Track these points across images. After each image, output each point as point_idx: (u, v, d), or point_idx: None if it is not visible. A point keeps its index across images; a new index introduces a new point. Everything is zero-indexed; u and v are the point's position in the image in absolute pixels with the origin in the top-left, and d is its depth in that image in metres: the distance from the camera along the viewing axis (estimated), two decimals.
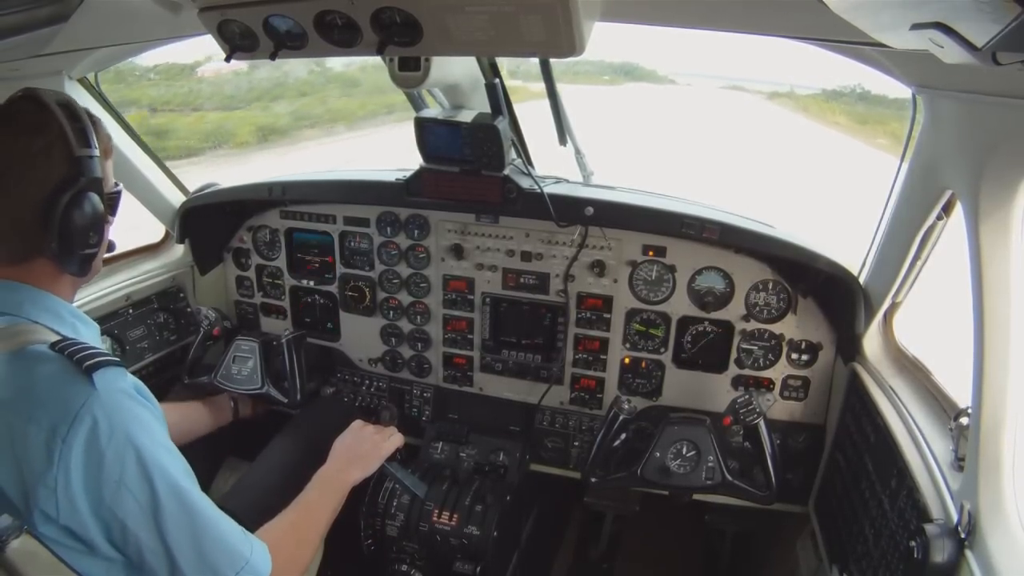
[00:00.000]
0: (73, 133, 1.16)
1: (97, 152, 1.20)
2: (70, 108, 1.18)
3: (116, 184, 1.31)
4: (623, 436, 1.84)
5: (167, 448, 1.16)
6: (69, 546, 1.09)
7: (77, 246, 1.19)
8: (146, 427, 1.13)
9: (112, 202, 1.28)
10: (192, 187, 2.47)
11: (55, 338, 1.14)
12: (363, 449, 1.76)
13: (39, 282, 1.20)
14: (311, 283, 2.45)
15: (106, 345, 2.12)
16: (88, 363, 1.08)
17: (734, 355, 2.07)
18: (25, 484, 1.06)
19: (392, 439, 1.83)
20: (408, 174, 2.08)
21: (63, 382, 1.09)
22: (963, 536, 1.14)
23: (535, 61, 1.96)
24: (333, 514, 1.58)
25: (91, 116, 1.22)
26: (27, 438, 1.05)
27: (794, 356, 2.03)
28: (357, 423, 1.85)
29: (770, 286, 2.01)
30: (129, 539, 1.10)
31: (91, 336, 1.26)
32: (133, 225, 2.13)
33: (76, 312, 1.26)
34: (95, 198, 1.20)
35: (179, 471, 1.16)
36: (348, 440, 1.78)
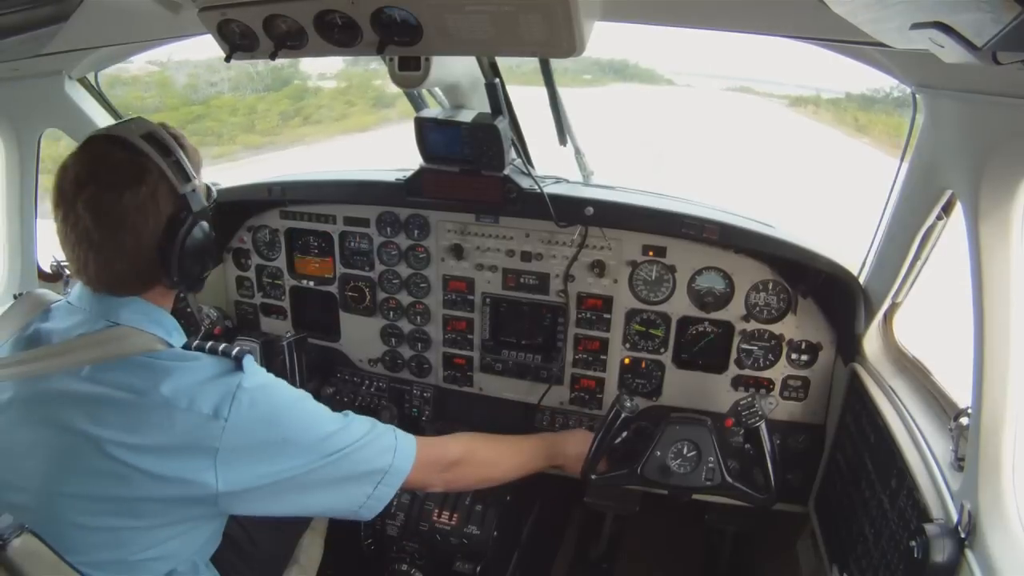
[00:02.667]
0: (171, 170, 1.18)
1: (197, 180, 1.24)
2: (159, 142, 1.19)
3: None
4: (624, 435, 1.84)
5: (304, 397, 1.30)
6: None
7: (196, 272, 1.27)
8: (284, 390, 1.27)
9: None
10: None
11: (161, 346, 1.21)
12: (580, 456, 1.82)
13: (155, 299, 1.26)
14: (311, 283, 2.45)
15: None
16: (235, 353, 1.20)
17: (734, 355, 2.07)
18: (175, 465, 1.13)
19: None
20: (408, 174, 2.08)
21: (219, 372, 1.19)
22: (963, 536, 1.14)
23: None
24: (516, 469, 1.70)
25: (175, 137, 1.23)
26: (186, 422, 1.13)
27: (794, 356, 2.03)
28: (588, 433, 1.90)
29: (770, 286, 2.01)
30: (297, 483, 1.23)
31: (181, 343, 1.30)
32: None
33: (175, 323, 1.31)
34: (204, 225, 1.24)
35: (324, 419, 1.29)
36: (586, 440, 1.84)
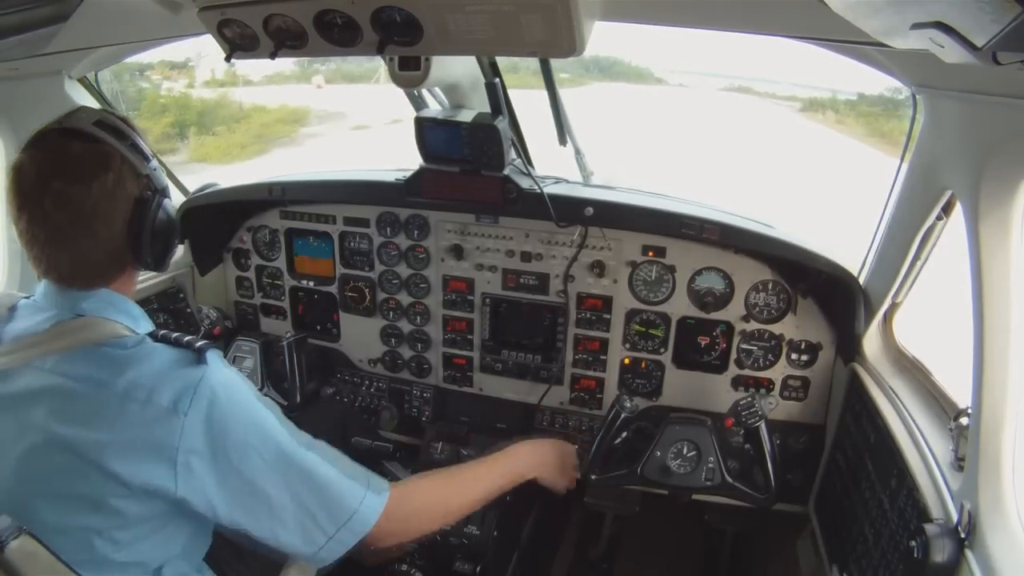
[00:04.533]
0: (131, 153, 1.18)
1: (153, 158, 1.24)
2: (112, 127, 1.18)
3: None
4: (624, 435, 1.84)
5: (272, 408, 1.25)
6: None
7: (166, 250, 1.29)
8: (250, 393, 1.21)
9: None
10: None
11: (128, 333, 1.18)
12: (562, 465, 1.78)
13: (120, 287, 1.25)
14: (311, 283, 2.45)
15: None
16: (199, 344, 1.17)
17: (734, 355, 2.07)
18: (132, 463, 1.09)
19: (570, 483, 1.82)
20: (408, 174, 2.08)
21: (180, 364, 1.15)
22: (963, 536, 1.14)
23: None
24: (487, 494, 1.55)
25: (123, 120, 1.23)
26: (143, 416, 1.09)
27: (794, 356, 2.03)
28: (572, 446, 1.87)
29: (770, 286, 2.01)
30: (258, 498, 1.16)
31: (148, 329, 1.28)
32: None
33: (141, 311, 1.30)
34: (167, 202, 1.26)
35: (289, 431, 1.23)
36: (559, 449, 1.80)
